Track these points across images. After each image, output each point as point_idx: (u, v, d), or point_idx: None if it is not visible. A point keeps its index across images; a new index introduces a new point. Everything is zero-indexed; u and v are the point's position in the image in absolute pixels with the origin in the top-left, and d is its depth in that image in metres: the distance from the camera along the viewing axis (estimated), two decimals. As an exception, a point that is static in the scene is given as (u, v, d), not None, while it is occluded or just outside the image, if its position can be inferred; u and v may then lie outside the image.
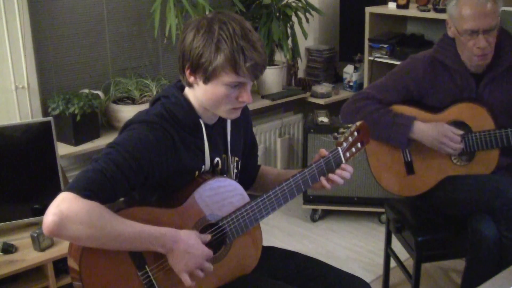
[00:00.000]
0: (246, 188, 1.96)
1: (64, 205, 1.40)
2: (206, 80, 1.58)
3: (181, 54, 1.60)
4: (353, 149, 1.85)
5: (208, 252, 1.57)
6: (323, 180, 1.78)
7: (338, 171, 1.79)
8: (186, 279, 1.54)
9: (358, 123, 1.87)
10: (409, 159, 2.46)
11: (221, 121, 1.75)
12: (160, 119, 1.59)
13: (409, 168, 2.47)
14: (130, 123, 1.61)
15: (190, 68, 1.58)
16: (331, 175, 1.78)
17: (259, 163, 2.01)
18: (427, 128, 2.36)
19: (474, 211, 2.28)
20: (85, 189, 1.43)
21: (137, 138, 1.54)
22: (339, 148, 1.81)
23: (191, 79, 1.61)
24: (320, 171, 1.78)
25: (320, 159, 1.78)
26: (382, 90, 2.46)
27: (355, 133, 1.85)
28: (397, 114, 2.40)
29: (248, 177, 1.95)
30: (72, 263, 1.51)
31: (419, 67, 2.41)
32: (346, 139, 1.83)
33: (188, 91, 1.67)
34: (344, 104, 2.54)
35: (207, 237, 1.61)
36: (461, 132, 2.36)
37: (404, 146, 2.43)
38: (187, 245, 1.53)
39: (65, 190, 1.44)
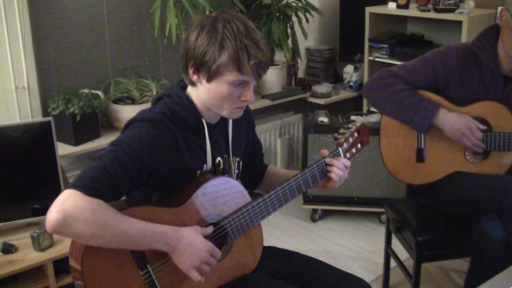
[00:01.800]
0: (253, 187, 1.97)
1: (68, 203, 1.40)
2: (210, 79, 1.58)
3: (184, 53, 1.60)
4: (353, 150, 1.87)
5: (210, 245, 1.56)
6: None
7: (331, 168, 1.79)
8: (195, 275, 1.53)
9: (358, 124, 1.89)
10: (422, 146, 2.44)
11: (223, 121, 1.75)
12: (162, 117, 1.59)
13: (420, 156, 2.45)
14: (133, 121, 1.61)
15: (194, 66, 1.58)
16: (328, 174, 1.79)
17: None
18: (452, 117, 2.34)
19: (480, 210, 2.27)
20: (89, 187, 1.43)
21: (140, 136, 1.54)
22: (340, 148, 1.83)
23: (194, 77, 1.61)
24: (320, 171, 1.78)
25: (321, 159, 1.79)
26: (410, 72, 2.44)
27: (355, 134, 1.86)
28: (423, 97, 2.38)
29: (255, 176, 1.96)
30: (73, 263, 1.51)
31: (453, 56, 2.38)
32: (346, 140, 1.84)
33: (190, 90, 1.67)
34: (368, 80, 2.50)
35: (209, 230, 1.61)
36: (484, 127, 2.34)
37: (424, 131, 2.39)
38: (189, 241, 1.53)
39: (69, 187, 1.43)
